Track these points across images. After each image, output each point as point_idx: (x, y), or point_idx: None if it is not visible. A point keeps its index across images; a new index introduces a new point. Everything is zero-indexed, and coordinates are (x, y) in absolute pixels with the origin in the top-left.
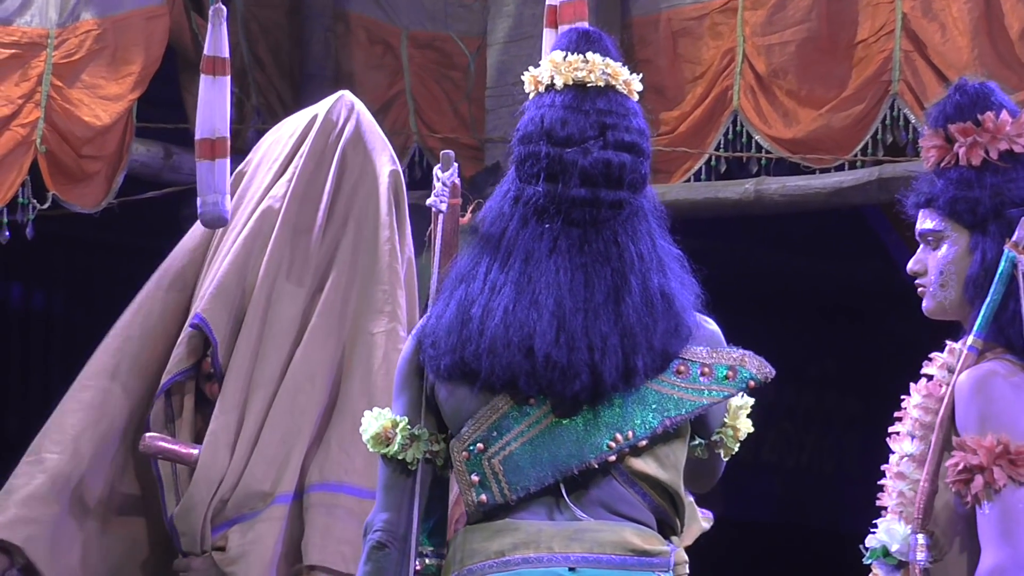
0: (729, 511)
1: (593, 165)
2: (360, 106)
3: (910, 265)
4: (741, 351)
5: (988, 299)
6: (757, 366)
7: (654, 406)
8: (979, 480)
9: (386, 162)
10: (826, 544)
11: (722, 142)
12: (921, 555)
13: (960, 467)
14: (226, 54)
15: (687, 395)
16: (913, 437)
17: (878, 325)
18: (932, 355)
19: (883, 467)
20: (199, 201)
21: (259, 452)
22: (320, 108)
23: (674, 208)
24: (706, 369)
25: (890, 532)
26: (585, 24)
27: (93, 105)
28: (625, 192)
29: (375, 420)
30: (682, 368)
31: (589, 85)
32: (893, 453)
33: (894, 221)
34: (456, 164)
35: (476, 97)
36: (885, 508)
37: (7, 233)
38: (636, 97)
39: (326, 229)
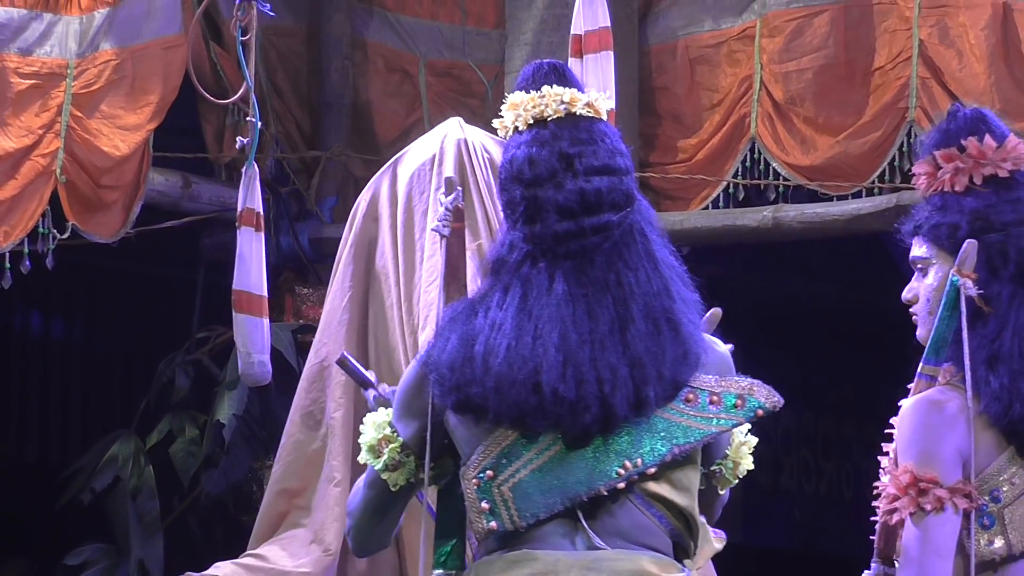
0: (748, 538)
1: (568, 198)
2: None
3: (904, 294)
4: (749, 380)
5: (935, 325)
6: (766, 395)
7: (663, 434)
8: (898, 510)
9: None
10: (844, 572)
11: (740, 169)
12: None
13: (887, 496)
14: (260, 208)
15: (696, 423)
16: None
17: (897, 351)
18: (910, 386)
19: (874, 504)
20: (240, 357)
21: None
22: (447, 142)
23: (692, 236)
24: (715, 397)
25: None
26: (609, 52)
27: (112, 135)
28: (608, 214)
29: (373, 430)
30: (691, 396)
31: (549, 119)
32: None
33: None
34: (459, 188)
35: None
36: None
37: (28, 263)
38: (605, 116)
39: None
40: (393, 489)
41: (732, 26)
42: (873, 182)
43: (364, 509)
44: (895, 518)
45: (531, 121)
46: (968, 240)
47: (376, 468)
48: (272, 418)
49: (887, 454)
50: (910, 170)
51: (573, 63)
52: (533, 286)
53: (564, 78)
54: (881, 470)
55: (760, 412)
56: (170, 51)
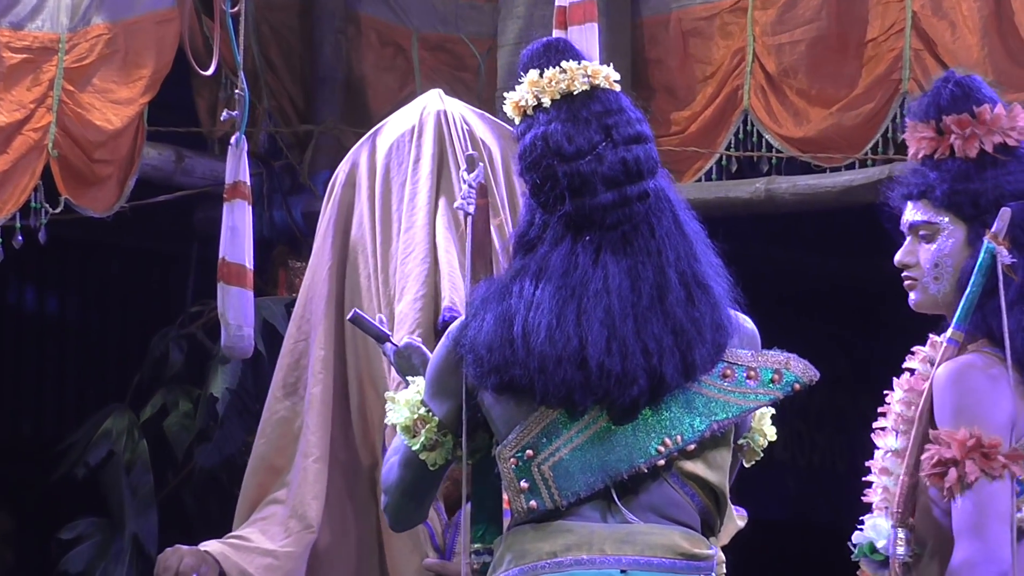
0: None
1: (612, 167)
2: (449, 104)
3: (900, 257)
4: (785, 354)
5: (968, 291)
6: (802, 369)
7: (701, 410)
8: (953, 473)
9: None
10: (837, 543)
11: (733, 141)
12: (901, 549)
13: (935, 460)
14: (247, 179)
15: (733, 398)
16: (897, 432)
17: (890, 323)
18: (915, 349)
19: (867, 463)
20: (224, 328)
21: None
22: (426, 113)
23: None
24: (752, 372)
25: (876, 528)
26: (594, 24)
27: (104, 109)
28: (647, 181)
29: (405, 408)
30: (728, 372)
31: (576, 93)
32: (878, 449)
33: None
34: (481, 165)
35: (487, 98)
36: (871, 504)
37: (20, 237)
38: (619, 88)
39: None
40: (432, 468)
41: None
42: (866, 154)
43: (402, 489)
44: (948, 481)
45: (557, 97)
46: (1004, 208)
47: (414, 448)
48: (266, 391)
49: (883, 415)
50: (903, 142)
51: (558, 35)
52: (577, 262)
53: (578, 54)
54: (879, 430)
55: (797, 387)
56: (162, 25)
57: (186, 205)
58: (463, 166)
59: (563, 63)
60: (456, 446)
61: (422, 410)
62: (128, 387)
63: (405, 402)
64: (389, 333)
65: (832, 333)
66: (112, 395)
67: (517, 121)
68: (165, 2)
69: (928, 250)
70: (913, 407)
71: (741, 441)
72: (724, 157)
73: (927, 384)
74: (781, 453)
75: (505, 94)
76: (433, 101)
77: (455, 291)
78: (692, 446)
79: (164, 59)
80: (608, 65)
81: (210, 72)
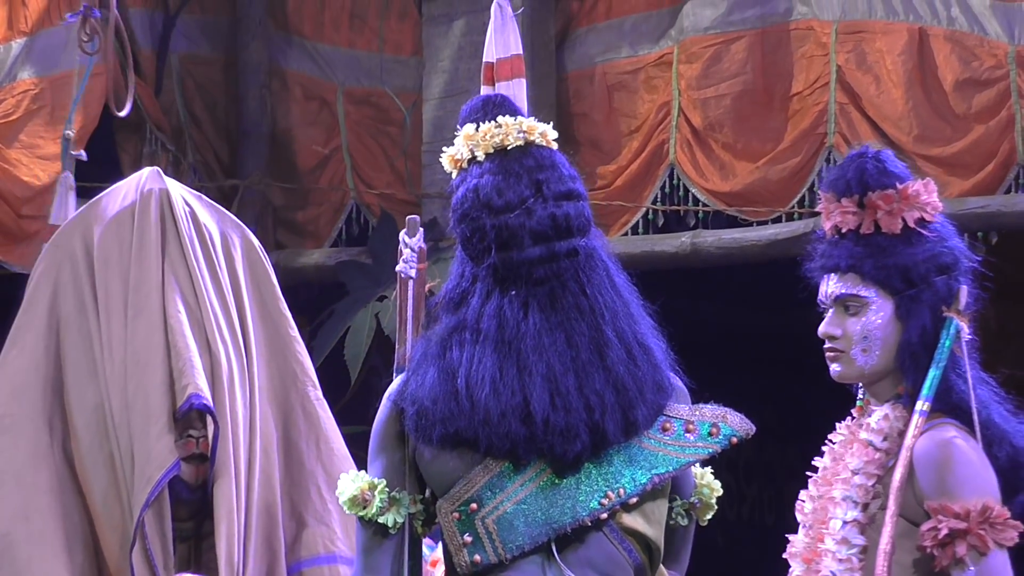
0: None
1: (540, 222)
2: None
3: (827, 328)
4: (721, 407)
5: (936, 365)
6: (739, 423)
7: (643, 463)
8: (963, 544)
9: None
10: None
11: (659, 195)
12: None
13: (943, 532)
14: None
15: (673, 452)
16: (855, 503)
17: (816, 375)
18: (863, 422)
19: (824, 531)
20: None
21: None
22: (146, 190)
23: None
24: (690, 426)
25: None
26: (521, 80)
27: (32, 165)
28: (576, 238)
29: (351, 482)
30: (667, 425)
31: (509, 148)
32: (833, 518)
33: None
34: (422, 229)
35: (412, 152)
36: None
37: None
38: (555, 146)
39: (238, 307)
40: (393, 531)
41: (649, 52)
42: (792, 207)
43: (366, 568)
44: (959, 552)
45: (491, 151)
46: (962, 285)
47: (370, 515)
48: None
49: (826, 483)
50: None
51: (485, 91)
52: (508, 317)
53: (515, 110)
54: (829, 500)
55: (735, 440)
56: (89, 80)
57: None
58: (406, 229)
59: (499, 118)
60: (412, 502)
61: (366, 478)
62: None
63: (347, 479)
64: None
65: (759, 385)
66: None
67: (454, 175)
68: (91, 57)
69: (856, 323)
70: (872, 478)
71: (692, 499)
72: (650, 211)
73: (881, 456)
74: None
75: (443, 149)
76: (152, 179)
77: (195, 374)
78: (634, 499)
79: (91, 114)
80: (548, 124)
81: (123, 113)
